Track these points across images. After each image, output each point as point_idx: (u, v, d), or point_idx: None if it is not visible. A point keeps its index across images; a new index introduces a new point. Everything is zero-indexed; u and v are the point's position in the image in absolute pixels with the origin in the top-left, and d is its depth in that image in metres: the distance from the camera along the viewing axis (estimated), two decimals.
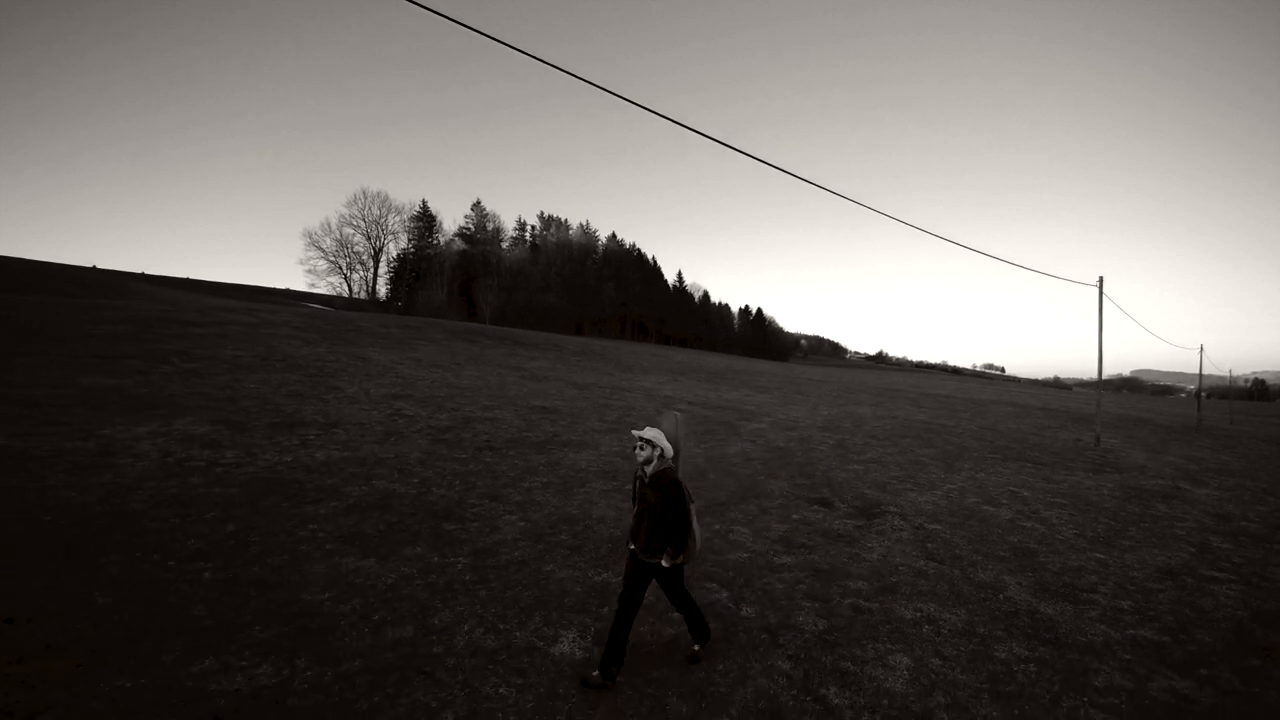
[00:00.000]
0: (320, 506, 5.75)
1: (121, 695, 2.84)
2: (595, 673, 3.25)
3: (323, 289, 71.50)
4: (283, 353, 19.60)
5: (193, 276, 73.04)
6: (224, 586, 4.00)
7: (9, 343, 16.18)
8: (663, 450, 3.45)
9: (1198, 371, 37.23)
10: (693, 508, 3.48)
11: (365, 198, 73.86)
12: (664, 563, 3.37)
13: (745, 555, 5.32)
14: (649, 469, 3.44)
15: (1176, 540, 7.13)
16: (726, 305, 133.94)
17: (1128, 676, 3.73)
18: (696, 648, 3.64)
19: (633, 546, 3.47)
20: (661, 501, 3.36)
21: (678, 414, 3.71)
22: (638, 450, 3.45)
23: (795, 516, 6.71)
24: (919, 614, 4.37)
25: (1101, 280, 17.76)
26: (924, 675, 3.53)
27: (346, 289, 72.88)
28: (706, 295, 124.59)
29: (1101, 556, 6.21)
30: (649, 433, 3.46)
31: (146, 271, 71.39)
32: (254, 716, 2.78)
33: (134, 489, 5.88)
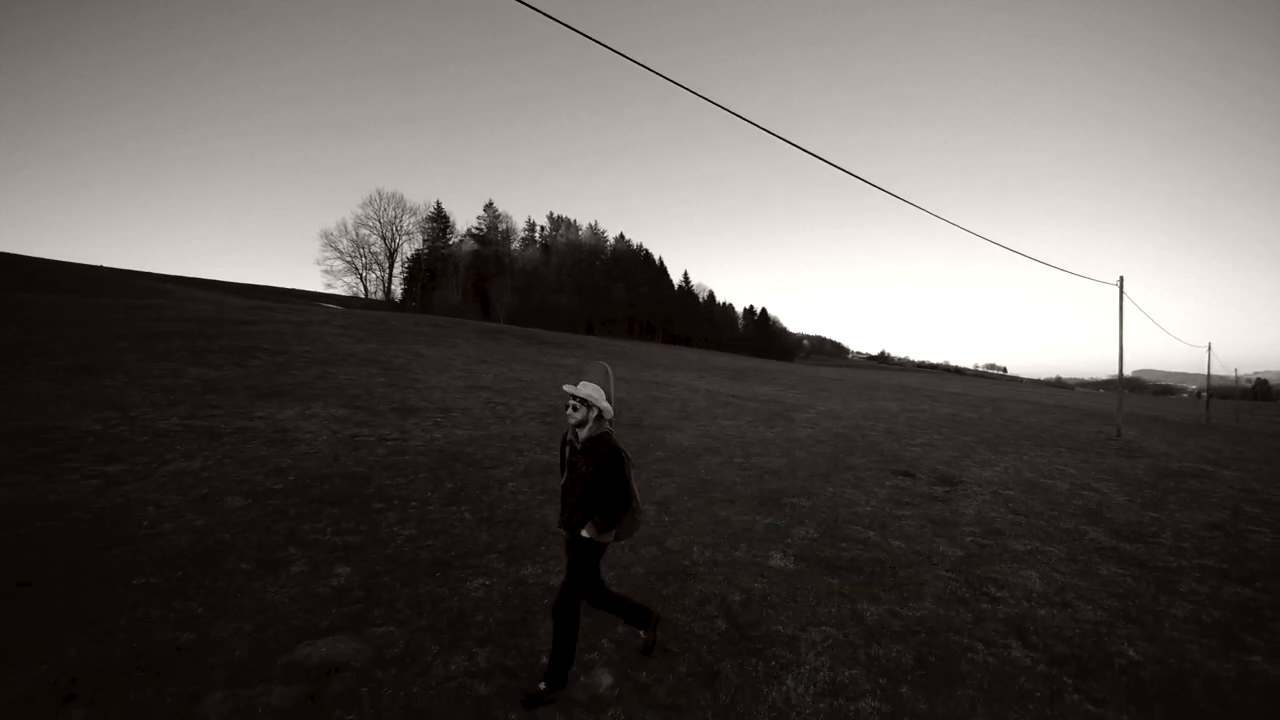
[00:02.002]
0: (500, 471, 6.81)
1: (490, 590, 3.87)
2: (542, 685, 2.80)
3: (339, 289, 72.53)
4: (345, 349, 20.64)
5: (193, 275, 73.76)
6: (488, 523, 5.06)
7: (92, 339, 17.26)
8: (600, 411, 2.91)
9: (1199, 372, 38.33)
10: (633, 472, 3.00)
11: (381, 199, 74.95)
12: (585, 532, 2.84)
13: (868, 509, 6.39)
14: (582, 432, 2.92)
15: (1213, 505, 8.20)
16: (731, 305, 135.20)
17: (1204, 585, 4.81)
18: (642, 634, 3.13)
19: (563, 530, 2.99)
20: (596, 472, 2.83)
21: (607, 365, 3.12)
22: (570, 410, 2.91)
23: (888, 484, 7.78)
24: (1029, 547, 5.44)
25: (1122, 280, 18.83)
26: (1052, 582, 4.60)
27: (363, 289, 73.95)
28: (711, 295, 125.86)
29: (1155, 515, 7.28)
30: (585, 389, 2.91)
31: (150, 270, 72.01)
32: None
33: (338, 457, 6.93)
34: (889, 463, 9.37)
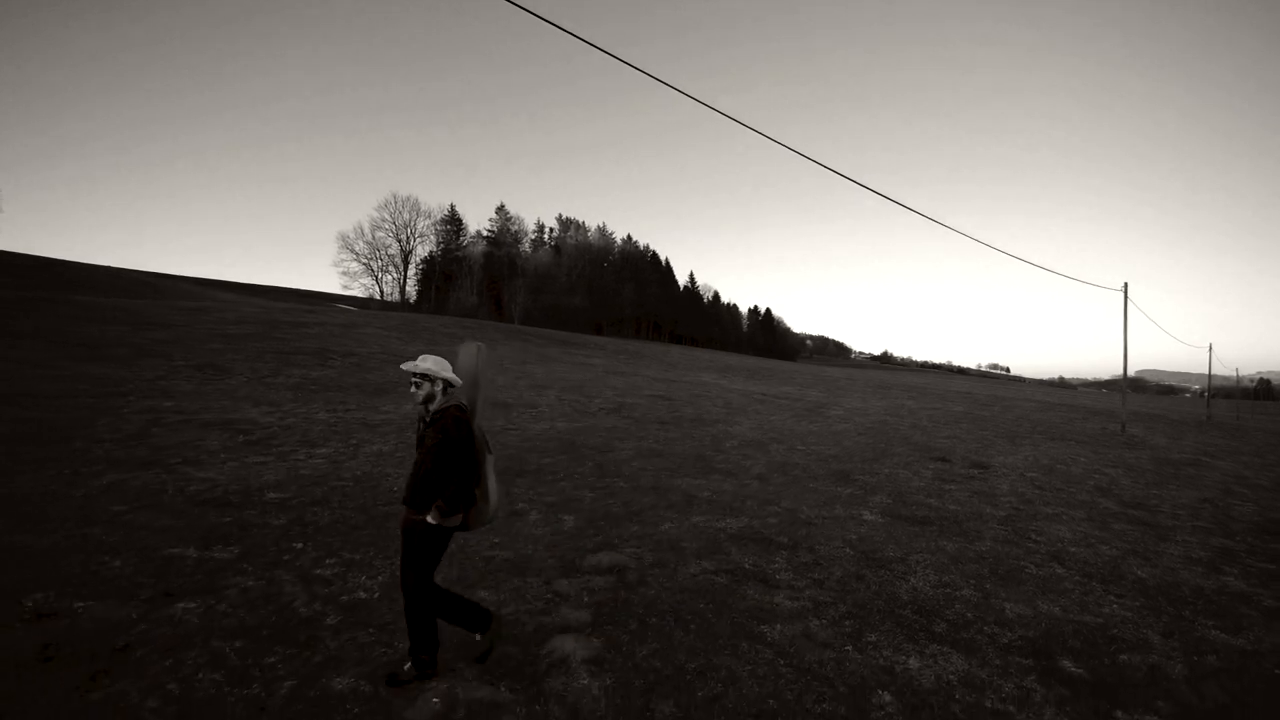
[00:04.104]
0: (617, 454, 8.26)
1: (678, 529, 5.30)
2: (407, 665, 2.82)
3: (356, 291, 74.08)
4: (400, 350, 22.10)
5: (198, 276, 74.84)
6: (640, 489, 6.49)
7: (187, 340, 18.78)
8: (447, 383, 2.88)
9: (1202, 371, 39.80)
10: (490, 460, 2.96)
11: (396, 202, 76.58)
12: (430, 518, 2.75)
13: (922, 484, 7.84)
14: (433, 405, 2.87)
15: (1207, 487, 9.64)
16: (735, 306, 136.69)
17: (1194, 537, 6.25)
18: (478, 637, 3.01)
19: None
20: (439, 444, 2.74)
21: (480, 345, 3.11)
22: (413, 388, 2.86)
23: (930, 467, 9.22)
24: (1054, 511, 6.89)
25: (1126, 286, 20.21)
26: (1077, 532, 6.04)
27: (379, 291, 75.48)
28: (717, 296, 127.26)
29: (1157, 493, 8.72)
30: (424, 364, 2.87)
31: (151, 270, 72.76)
32: (726, 525, 5.27)
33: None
34: (925, 451, 10.81)
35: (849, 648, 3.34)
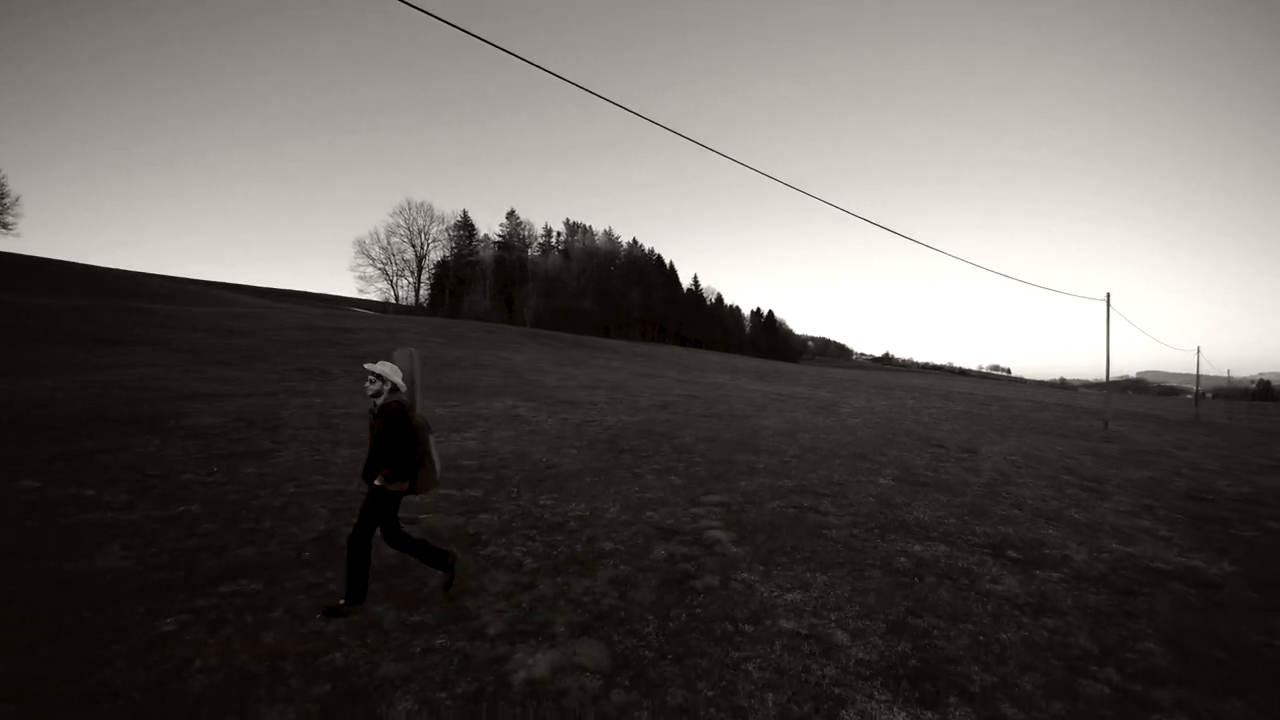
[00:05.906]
0: (682, 439, 10.46)
1: (755, 484, 7.51)
2: (342, 601, 3.50)
3: (372, 295, 76.50)
4: (450, 356, 24.33)
5: (198, 277, 76.07)
6: (712, 462, 8.69)
7: (273, 343, 20.94)
8: (394, 384, 3.57)
9: (1202, 373, 41.88)
10: (431, 439, 3.70)
11: (410, 208, 79.10)
12: (377, 481, 3.46)
13: (922, 462, 10.04)
14: (378, 401, 3.56)
15: (1159, 469, 11.83)
16: (738, 307, 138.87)
17: (1126, 498, 8.45)
18: (441, 573, 3.89)
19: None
20: (384, 431, 3.44)
21: (414, 351, 3.71)
22: (368, 384, 3.57)
23: (929, 451, 11.43)
24: (1025, 481, 9.11)
25: (1109, 296, 22.37)
26: (1038, 494, 8.25)
27: (394, 295, 77.88)
28: (720, 298, 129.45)
29: (1113, 472, 10.91)
30: (380, 367, 3.57)
31: (156, 272, 74.07)
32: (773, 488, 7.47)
33: (580, 431, 10.57)
34: (925, 441, 13.01)
35: (879, 541, 5.57)
